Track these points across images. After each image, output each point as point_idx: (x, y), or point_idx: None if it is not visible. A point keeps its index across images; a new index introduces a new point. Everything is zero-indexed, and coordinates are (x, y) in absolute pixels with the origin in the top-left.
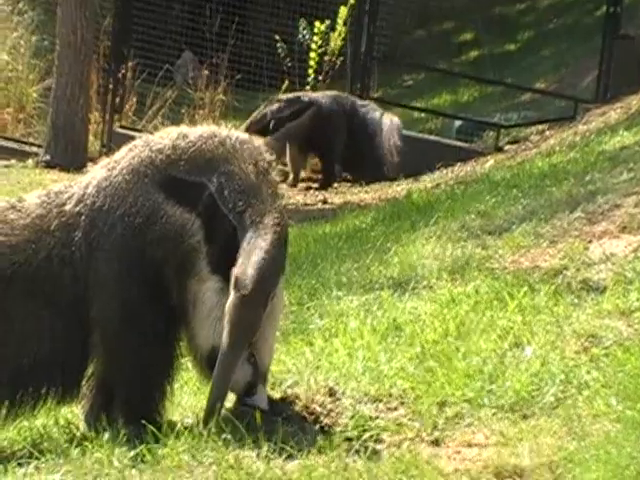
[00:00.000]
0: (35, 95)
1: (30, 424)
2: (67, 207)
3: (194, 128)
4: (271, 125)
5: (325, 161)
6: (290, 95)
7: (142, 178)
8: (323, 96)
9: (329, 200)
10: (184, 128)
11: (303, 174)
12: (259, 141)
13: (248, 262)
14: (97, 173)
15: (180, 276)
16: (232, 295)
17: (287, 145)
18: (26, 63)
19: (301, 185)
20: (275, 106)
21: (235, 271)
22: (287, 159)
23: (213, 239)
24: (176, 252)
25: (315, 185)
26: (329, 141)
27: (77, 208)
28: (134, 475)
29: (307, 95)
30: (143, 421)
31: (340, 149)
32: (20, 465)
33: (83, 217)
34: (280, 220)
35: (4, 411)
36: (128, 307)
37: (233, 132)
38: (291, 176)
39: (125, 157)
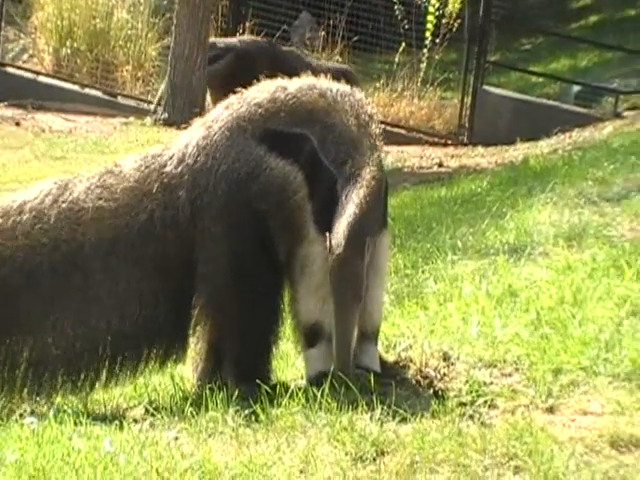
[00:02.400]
0: (154, 54)
1: (146, 381)
2: (167, 169)
3: (292, 81)
4: None
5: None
6: None
7: (242, 133)
8: (240, 41)
9: (445, 163)
10: (282, 81)
11: None
12: (360, 93)
13: (340, 220)
14: (195, 133)
15: (287, 234)
16: (330, 258)
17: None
18: (145, 21)
19: None
20: None
21: (331, 234)
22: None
23: (317, 193)
24: (280, 206)
25: None
26: (251, 83)
27: (178, 169)
28: (248, 434)
29: (223, 41)
30: (257, 380)
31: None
32: (136, 422)
33: (185, 177)
34: (377, 173)
35: (104, 373)
36: (236, 262)
37: (333, 84)
38: None
39: (222, 114)
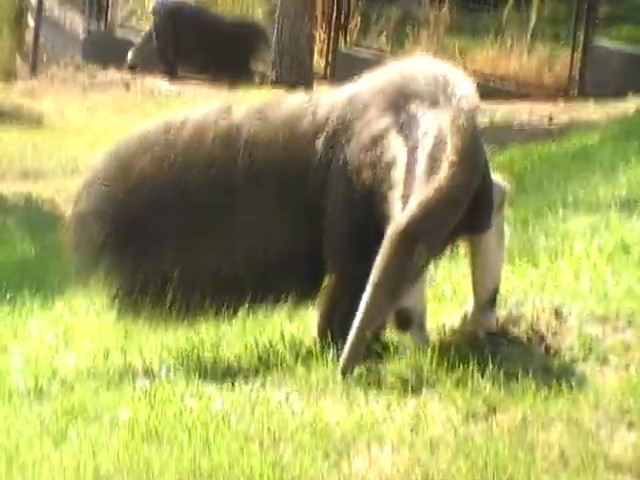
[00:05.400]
0: (260, 13)
1: (256, 340)
2: (319, 111)
3: (435, 61)
4: None
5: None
6: None
7: (383, 99)
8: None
9: (555, 118)
10: (430, 59)
11: None
12: (469, 85)
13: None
14: (351, 86)
15: (385, 214)
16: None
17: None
18: None
19: None
20: None
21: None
22: None
23: (409, 181)
24: (385, 182)
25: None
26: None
27: (325, 115)
28: (358, 393)
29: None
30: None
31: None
32: (246, 381)
33: (329, 125)
34: (459, 168)
35: (247, 301)
36: (350, 221)
37: (453, 72)
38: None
39: (378, 76)
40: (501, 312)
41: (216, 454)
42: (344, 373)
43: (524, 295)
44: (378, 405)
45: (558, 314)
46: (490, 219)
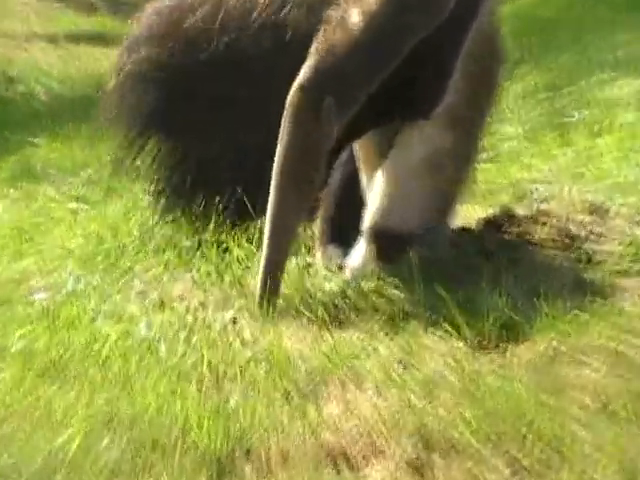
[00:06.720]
0: None
1: (192, 244)
2: None
3: None
4: None
5: None
6: None
7: None
8: None
9: None
10: None
11: None
12: None
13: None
14: None
15: None
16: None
17: None
18: None
19: None
20: None
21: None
22: None
23: None
24: None
25: None
26: None
27: None
28: (329, 317)
29: None
30: None
31: None
32: (181, 299)
33: None
34: (375, 15)
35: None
36: None
37: None
38: None
39: None
40: (521, 208)
41: (140, 396)
42: (261, 305)
43: (552, 185)
44: (356, 332)
45: (596, 211)
46: (430, 107)
